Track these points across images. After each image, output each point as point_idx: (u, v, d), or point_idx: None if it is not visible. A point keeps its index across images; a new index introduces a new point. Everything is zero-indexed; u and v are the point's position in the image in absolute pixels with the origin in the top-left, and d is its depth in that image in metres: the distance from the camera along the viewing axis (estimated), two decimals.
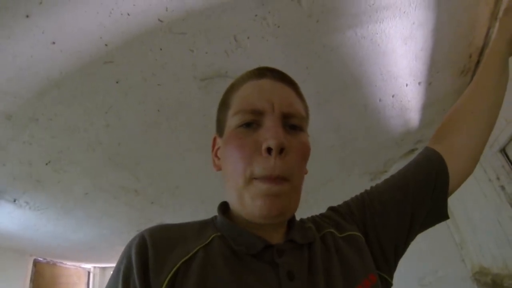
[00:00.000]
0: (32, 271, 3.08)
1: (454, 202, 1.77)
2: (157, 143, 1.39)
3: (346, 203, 0.70)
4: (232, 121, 0.56)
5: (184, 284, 0.48)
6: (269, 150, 0.49)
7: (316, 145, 1.50)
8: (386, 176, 0.77)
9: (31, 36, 0.92)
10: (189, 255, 0.51)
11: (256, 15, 0.88)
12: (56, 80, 1.06)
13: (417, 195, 0.64)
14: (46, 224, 2.31)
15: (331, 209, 0.70)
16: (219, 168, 0.61)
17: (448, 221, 0.70)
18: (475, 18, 1.09)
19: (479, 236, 1.64)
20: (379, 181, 0.72)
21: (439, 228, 0.69)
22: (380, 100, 1.30)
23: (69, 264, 3.68)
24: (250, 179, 0.51)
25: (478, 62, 1.31)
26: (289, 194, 0.52)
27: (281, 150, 0.50)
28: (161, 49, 0.95)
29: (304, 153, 0.56)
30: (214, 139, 0.64)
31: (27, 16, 0.87)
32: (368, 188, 0.71)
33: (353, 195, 0.72)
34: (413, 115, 1.45)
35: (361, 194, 0.70)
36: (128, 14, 0.88)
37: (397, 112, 1.41)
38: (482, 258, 1.65)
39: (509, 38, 0.75)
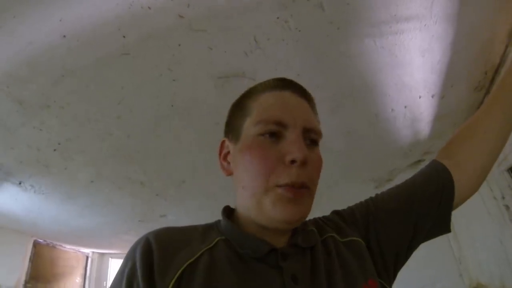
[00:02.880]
0: (31, 251, 3.09)
1: (456, 217, 1.74)
2: (167, 138, 1.38)
3: (350, 208, 0.69)
4: (253, 129, 0.56)
5: (189, 287, 0.48)
6: (293, 161, 0.51)
7: (325, 149, 1.47)
8: (391, 185, 0.76)
9: (48, 24, 0.90)
10: (194, 258, 0.52)
11: (278, 18, 0.86)
12: (71, 69, 1.05)
13: (422, 207, 0.63)
14: (49, 208, 2.32)
15: (335, 212, 0.70)
16: (230, 173, 0.61)
17: (449, 235, 0.70)
18: (493, 35, 1.07)
19: (479, 253, 1.62)
20: (383, 189, 0.71)
21: (439, 241, 0.69)
22: (392, 110, 1.28)
23: (68, 247, 3.69)
24: (273, 187, 0.52)
25: (493, 79, 1.28)
26: (308, 201, 0.54)
27: (304, 163, 0.52)
28: (179, 45, 0.93)
29: (320, 167, 0.58)
30: (223, 143, 0.64)
31: (44, 4, 0.85)
32: (372, 195, 0.70)
33: (355, 201, 0.71)
34: (424, 127, 1.43)
35: (366, 200, 0.69)
36: (149, 8, 0.86)
37: (408, 123, 1.38)
38: (480, 275, 1.64)
39: None
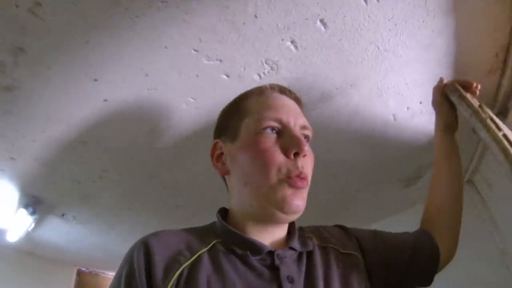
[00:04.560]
0: (75, 280, 3.30)
1: (496, 206, 1.73)
2: (196, 162, 1.53)
3: (356, 230, 0.76)
4: (254, 125, 0.62)
5: None
6: (296, 154, 0.59)
7: (348, 156, 1.55)
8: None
9: (79, 70, 1.06)
10: (191, 260, 0.55)
11: (282, 39, 0.98)
12: (102, 107, 1.21)
13: (412, 268, 0.71)
14: (90, 237, 2.52)
15: (340, 227, 0.77)
16: (225, 173, 0.66)
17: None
18: (495, 18, 1.09)
19: None
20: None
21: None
22: (408, 108, 1.34)
23: (110, 274, 3.89)
24: (282, 179, 0.58)
25: (505, 60, 1.30)
26: (306, 192, 0.62)
27: (305, 155, 0.60)
28: (197, 76, 1.07)
29: (313, 161, 0.65)
30: (215, 145, 0.69)
31: (74, 57, 1.01)
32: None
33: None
34: None
35: (370, 232, 0.77)
36: (166, 47, 0.99)
37: (427, 117, 1.41)
38: None
39: (446, 120, 0.86)
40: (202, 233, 0.63)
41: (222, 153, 0.67)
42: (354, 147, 1.50)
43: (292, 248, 0.62)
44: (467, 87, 0.81)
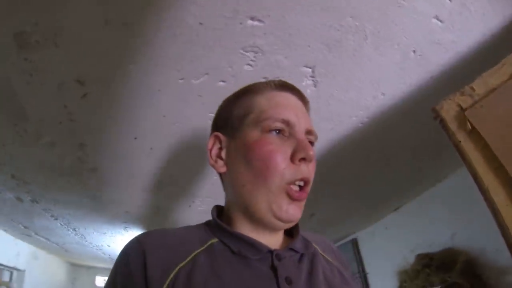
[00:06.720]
0: None
1: None
2: None
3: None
4: (259, 125, 0.60)
5: None
6: (302, 159, 0.58)
7: (401, 80, 1.36)
8: None
9: (126, 135, 1.43)
10: (187, 260, 0.55)
11: (240, 22, 1.02)
12: (149, 154, 1.60)
13: None
14: None
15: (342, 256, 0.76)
16: (223, 170, 0.64)
17: None
18: None
19: None
20: None
21: None
22: (436, 17, 1.10)
23: None
24: (283, 186, 0.57)
25: None
26: (304, 201, 0.61)
27: (311, 161, 0.60)
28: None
29: (315, 167, 0.63)
30: (215, 137, 0.66)
31: (119, 122, 1.33)
32: None
33: None
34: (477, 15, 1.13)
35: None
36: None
37: (483, 2, 1.10)
38: None
39: None
40: (197, 232, 0.62)
41: (221, 148, 0.65)
42: (401, 73, 1.32)
43: (291, 249, 0.62)
44: None
